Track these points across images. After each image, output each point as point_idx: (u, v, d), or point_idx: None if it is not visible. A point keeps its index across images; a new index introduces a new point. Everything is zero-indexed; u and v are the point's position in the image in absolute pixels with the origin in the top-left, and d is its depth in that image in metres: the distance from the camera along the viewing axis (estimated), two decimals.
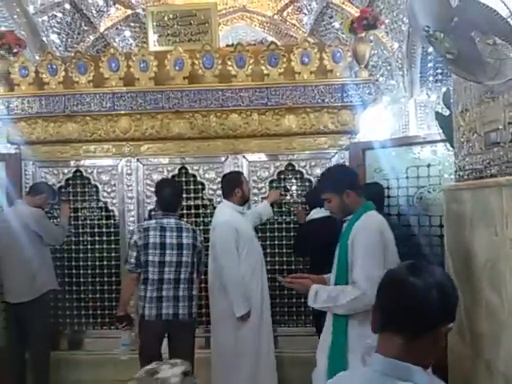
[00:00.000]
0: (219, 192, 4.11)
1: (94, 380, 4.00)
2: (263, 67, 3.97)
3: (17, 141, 4.21)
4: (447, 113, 3.18)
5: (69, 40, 6.85)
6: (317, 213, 3.67)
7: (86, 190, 4.29)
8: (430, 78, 6.66)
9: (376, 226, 2.23)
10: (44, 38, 6.69)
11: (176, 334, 3.03)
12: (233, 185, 3.48)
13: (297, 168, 4.13)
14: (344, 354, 2.14)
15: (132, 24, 7.33)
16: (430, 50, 6.44)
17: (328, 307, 2.25)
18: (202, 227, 4.09)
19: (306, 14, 7.34)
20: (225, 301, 3.26)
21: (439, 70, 6.60)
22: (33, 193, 3.92)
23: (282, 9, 7.30)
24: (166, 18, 4.49)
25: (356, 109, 4.01)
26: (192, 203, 4.23)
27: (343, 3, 7.03)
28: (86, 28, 6.94)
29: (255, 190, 4.14)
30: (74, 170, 4.23)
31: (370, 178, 4.00)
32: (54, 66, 4.07)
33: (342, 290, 2.19)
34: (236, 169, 4.12)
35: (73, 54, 4.18)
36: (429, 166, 3.74)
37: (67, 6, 6.45)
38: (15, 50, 4.19)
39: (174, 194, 3.18)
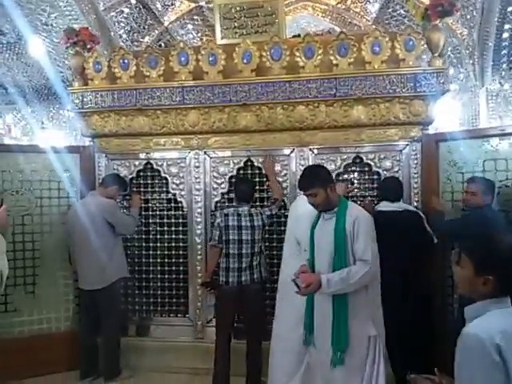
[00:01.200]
0: (285, 185, 4.14)
1: (161, 366, 4.16)
2: (332, 57, 3.89)
3: (90, 134, 4.38)
4: None
5: (135, 34, 7.06)
6: (386, 206, 3.58)
7: (156, 181, 4.41)
8: (504, 66, 6.31)
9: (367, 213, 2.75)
10: (112, 34, 6.93)
11: (251, 296, 3.59)
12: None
13: (365, 160, 4.03)
14: (346, 321, 2.56)
15: (195, 17, 7.45)
16: (506, 35, 6.14)
17: (341, 289, 2.53)
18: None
19: (370, 2, 7.17)
20: None
21: None
22: (105, 184, 4.08)
23: None
24: (232, 11, 4.48)
25: (429, 99, 3.85)
26: (257, 195, 4.23)
27: None
28: (151, 22, 7.12)
29: None
30: (145, 162, 4.35)
31: (444, 171, 3.86)
32: (126, 61, 4.18)
33: (349, 270, 2.53)
34: (302, 161, 4.09)
35: (144, 49, 4.26)
36: (506, 159, 3.55)
37: (133, 1, 6.65)
38: (89, 46, 4.35)
39: (248, 188, 3.82)
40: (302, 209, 3.20)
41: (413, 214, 3.63)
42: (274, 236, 4.18)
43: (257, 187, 4.20)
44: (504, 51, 6.18)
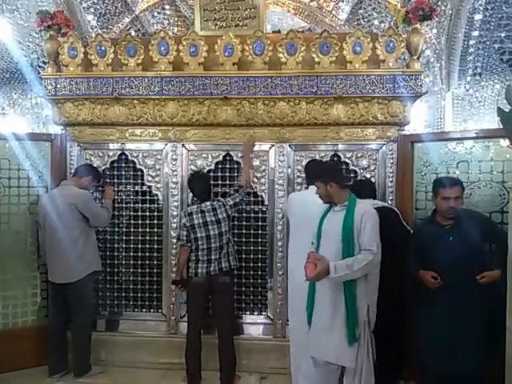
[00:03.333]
0: (263, 180, 4.14)
1: (131, 361, 4.08)
2: (314, 55, 3.92)
3: (62, 122, 4.21)
4: (508, 109, 3.10)
5: (104, 21, 6.85)
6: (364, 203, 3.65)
7: (131, 173, 4.30)
8: (470, 72, 6.55)
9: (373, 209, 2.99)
10: (80, 20, 6.69)
11: (219, 285, 3.67)
12: None
13: (342, 158, 4.09)
14: (356, 307, 2.81)
15: (167, 7, 7.31)
16: (472, 42, 6.37)
17: (346, 274, 2.73)
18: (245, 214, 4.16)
19: (343, 1, 7.26)
20: None
21: (479, 64, 6.49)
22: (78, 174, 3.95)
23: None
24: (213, 2, 4.42)
25: (406, 100, 3.95)
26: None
27: None
28: (121, 9, 6.93)
29: (299, 180, 4.12)
30: (119, 153, 4.23)
31: (418, 171, 3.96)
32: (103, 48, 4.05)
33: (354, 258, 2.76)
34: (281, 158, 4.10)
35: (122, 36, 4.14)
36: (480, 161, 3.69)
37: None
38: (64, 31, 4.18)
39: (204, 187, 3.83)
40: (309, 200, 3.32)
41: (389, 209, 3.73)
42: (244, 223, 4.21)
43: (235, 182, 4.20)
44: (470, 57, 6.41)
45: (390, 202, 3.97)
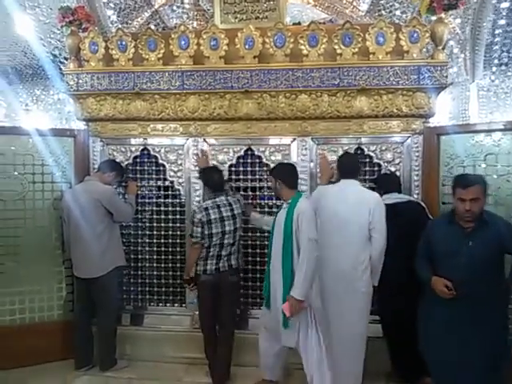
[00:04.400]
0: None
1: (155, 355, 4.10)
2: (336, 46, 3.85)
3: (85, 117, 4.23)
4: None
5: (124, 16, 6.85)
6: (389, 198, 3.59)
7: (153, 168, 4.30)
8: (495, 62, 6.38)
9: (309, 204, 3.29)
10: (100, 15, 6.70)
11: (227, 286, 3.63)
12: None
13: (366, 152, 4.02)
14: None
15: (186, 1, 7.27)
16: (498, 31, 6.19)
17: (304, 281, 3.07)
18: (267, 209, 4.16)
19: None
20: None
21: (505, 54, 6.31)
22: (102, 170, 3.96)
23: None
24: None
25: (431, 92, 3.86)
26: (257, 185, 4.19)
27: None
28: (140, 4, 6.92)
29: None
30: (142, 148, 4.23)
31: (445, 164, 3.87)
32: (124, 43, 4.05)
33: (299, 267, 3.09)
34: (303, 152, 4.06)
35: (143, 31, 4.13)
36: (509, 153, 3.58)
37: None
38: (85, 26, 4.19)
39: (221, 177, 3.78)
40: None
41: (416, 204, 3.68)
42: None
43: (256, 177, 4.19)
44: (496, 47, 6.23)
45: (415, 196, 3.89)
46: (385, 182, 3.75)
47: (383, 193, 3.63)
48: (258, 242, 4.19)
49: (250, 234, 4.18)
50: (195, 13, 7.67)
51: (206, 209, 3.59)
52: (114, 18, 6.89)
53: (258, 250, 4.18)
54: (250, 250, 4.19)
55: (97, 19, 6.46)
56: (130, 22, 7.22)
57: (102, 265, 3.77)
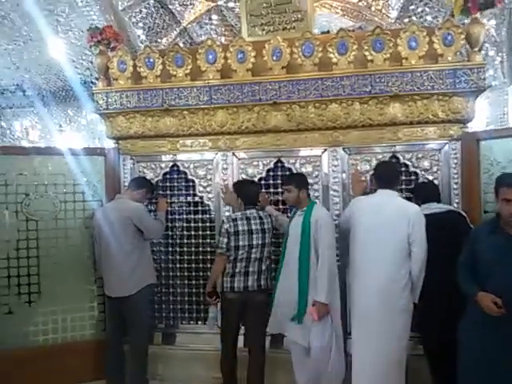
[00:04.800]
0: (316, 187, 3.98)
1: (187, 375, 4.02)
2: (367, 53, 3.74)
3: (115, 136, 4.25)
4: None
5: (153, 35, 6.94)
6: (428, 208, 3.41)
7: (183, 184, 4.27)
8: None
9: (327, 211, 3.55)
10: (130, 34, 6.81)
11: (256, 306, 3.49)
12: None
13: (402, 160, 3.86)
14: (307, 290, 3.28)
15: (213, 17, 7.31)
16: None
17: (329, 282, 3.20)
18: None
19: None
20: None
21: None
22: (132, 188, 3.94)
23: None
24: (260, 7, 4.33)
25: (469, 96, 3.68)
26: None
27: None
28: (169, 22, 6.99)
29: None
30: (171, 164, 4.21)
31: (486, 171, 3.67)
32: (152, 60, 4.05)
33: (320, 276, 3.22)
34: (335, 162, 3.94)
35: (170, 47, 4.13)
36: None
37: (152, 1, 6.55)
38: (113, 45, 4.23)
39: (256, 190, 3.68)
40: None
41: (456, 213, 3.48)
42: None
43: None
44: None
45: (455, 205, 3.71)
46: (422, 192, 3.58)
47: (421, 203, 3.45)
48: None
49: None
50: (223, 28, 7.71)
51: (235, 219, 3.49)
52: (144, 37, 6.99)
53: None
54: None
55: (126, 39, 6.57)
56: (159, 40, 7.30)
57: (133, 283, 3.71)
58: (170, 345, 4.19)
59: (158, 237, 4.01)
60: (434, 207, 3.43)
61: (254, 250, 3.46)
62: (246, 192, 3.62)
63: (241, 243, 3.44)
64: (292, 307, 3.30)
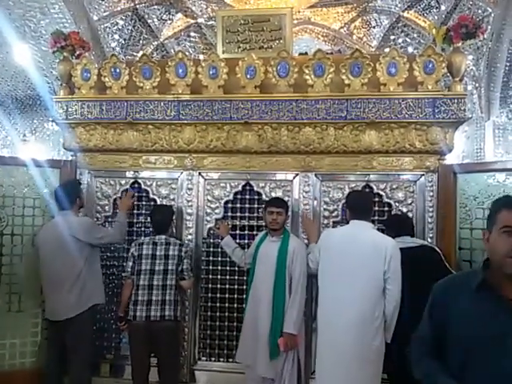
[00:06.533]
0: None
1: None
2: (344, 77, 3.58)
3: (73, 147, 3.97)
4: None
5: (128, 48, 6.75)
6: (401, 241, 3.19)
7: (143, 203, 3.98)
8: None
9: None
10: (104, 45, 6.59)
11: (161, 335, 3.28)
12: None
13: (375, 190, 3.68)
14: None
15: (192, 34, 7.18)
16: None
17: (298, 314, 3.19)
18: None
19: (374, 27, 6.98)
20: None
21: None
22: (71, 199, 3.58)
23: (349, 22, 6.97)
24: (236, 24, 4.17)
25: (448, 127, 3.54)
26: (255, 223, 3.85)
27: (416, 17, 6.62)
28: (146, 36, 6.82)
29: (326, 213, 3.73)
30: (132, 181, 3.93)
31: (462, 205, 3.50)
32: (118, 70, 3.82)
33: (291, 306, 3.18)
34: (306, 188, 3.73)
35: (138, 58, 3.90)
36: None
37: (129, 13, 6.36)
38: (78, 52, 3.99)
39: (164, 219, 3.53)
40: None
41: (430, 248, 3.29)
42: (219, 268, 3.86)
43: (254, 215, 3.85)
44: None
45: (429, 240, 3.53)
46: (396, 224, 3.38)
47: (394, 236, 3.25)
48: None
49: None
50: (201, 46, 7.57)
51: (141, 244, 3.43)
52: (118, 49, 6.79)
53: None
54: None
55: (100, 50, 6.36)
56: (134, 53, 7.11)
57: (78, 303, 3.34)
58: (119, 377, 3.83)
59: (119, 240, 3.70)
60: (408, 241, 3.23)
61: (155, 277, 3.32)
62: (152, 219, 3.54)
63: (143, 267, 3.35)
64: (260, 340, 3.21)
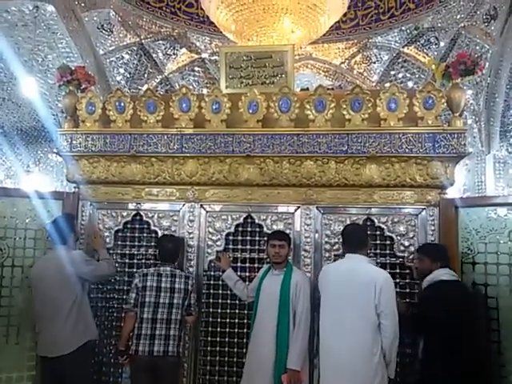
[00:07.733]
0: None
1: None
2: (345, 112, 3.63)
3: (76, 179, 4.00)
4: None
5: (133, 82, 6.89)
6: (447, 274, 3.18)
7: (145, 235, 3.98)
8: None
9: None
10: (109, 79, 6.73)
11: (164, 371, 3.22)
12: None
13: (377, 223, 3.68)
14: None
15: (196, 69, 7.34)
16: None
17: (301, 352, 3.12)
18: None
19: (375, 62, 7.12)
20: None
21: None
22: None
23: (349, 57, 7.12)
24: (239, 60, 4.27)
25: (448, 161, 3.57)
26: (256, 256, 3.83)
27: (416, 53, 6.76)
28: (151, 70, 6.97)
29: (327, 246, 3.72)
30: (134, 213, 3.95)
31: (464, 240, 3.49)
32: (122, 104, 3.89)
33: (294, 342, 3.11)
34: (308, 221, 3.74)
35: (143, 92, 3.97)
36: None
37: (135, 47, 6.52)
38: (84, 86, 4.07)
39: (175, 248, 3.52)
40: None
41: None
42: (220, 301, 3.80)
43: (255, 247, 3.84)
44: None
45: None
46: (442, 253, 3.30)
47: (440, 266, 3.21)
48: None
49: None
50: (205, 81, 7.72)
51: (146, 275, 3.37)
52: (124, 82, 6.92)
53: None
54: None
55: (105, 84, 6.48)
56: (139, 87, 7.25)
57: (72, 339, 3.28)
58: None
59: (111, 274, 3.67)
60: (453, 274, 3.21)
61: (160, 310, 3.26)
62: (160, 247, 3.50)
63: (147, 299, 3.28)
64: (264, 376, 3.13)
